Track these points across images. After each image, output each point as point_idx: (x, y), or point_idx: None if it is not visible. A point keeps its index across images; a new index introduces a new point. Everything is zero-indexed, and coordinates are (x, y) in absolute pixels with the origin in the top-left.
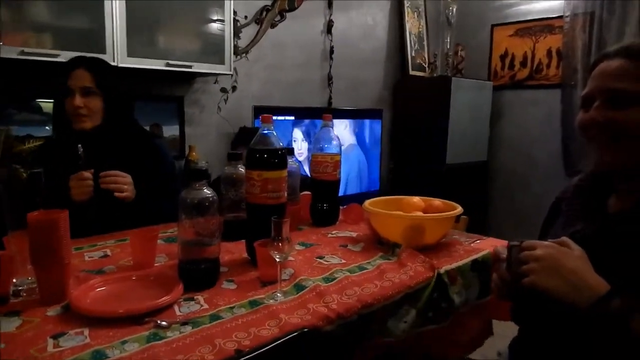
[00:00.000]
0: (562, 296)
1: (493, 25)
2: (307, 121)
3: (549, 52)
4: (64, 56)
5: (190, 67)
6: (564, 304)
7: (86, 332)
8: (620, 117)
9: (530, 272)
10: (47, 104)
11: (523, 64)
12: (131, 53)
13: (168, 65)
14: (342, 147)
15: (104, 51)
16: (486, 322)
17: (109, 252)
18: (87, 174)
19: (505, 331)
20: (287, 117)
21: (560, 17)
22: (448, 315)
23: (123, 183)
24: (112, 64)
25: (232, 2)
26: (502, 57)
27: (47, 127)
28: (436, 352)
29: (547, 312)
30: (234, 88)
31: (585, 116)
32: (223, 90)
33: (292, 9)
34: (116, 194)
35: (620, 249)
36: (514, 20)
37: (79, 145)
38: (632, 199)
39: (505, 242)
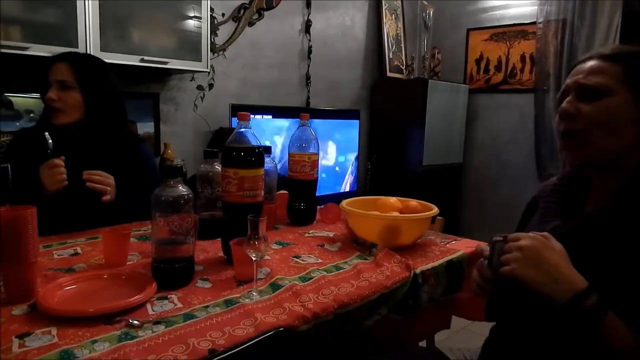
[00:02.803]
0: (541, 288)
1: (469, 30)
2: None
3: (523, 57)
4: (34, 49)
5: (165, 63)
6: (541, 296)
7: (54, 331)
8: (587, 110)
9: (511, 261)
10: (17, 99)
11: (498, 68)
12: (104, 48)
13: (143, 61)
14: (320, 147)
15: (76, 45)
16: (444, 315)
17: (79, 250)
18: (58, 161)
19: (481, 330)
20: (265, 116)
21: (534, 23)
22: (413, 311)
23: (108, 185)
24: None
25: None
26: (478, 61)
27: (17, 123)
28: (396, 339)
29: (522, 309)
30: (210, 86)
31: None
32: (199, 87)
33: (270, 7)
34: (97, 186)
35: (595, 248)
36: (488, 25)
37: (46, 133)
38: (608, 198)
39: (482, 243)
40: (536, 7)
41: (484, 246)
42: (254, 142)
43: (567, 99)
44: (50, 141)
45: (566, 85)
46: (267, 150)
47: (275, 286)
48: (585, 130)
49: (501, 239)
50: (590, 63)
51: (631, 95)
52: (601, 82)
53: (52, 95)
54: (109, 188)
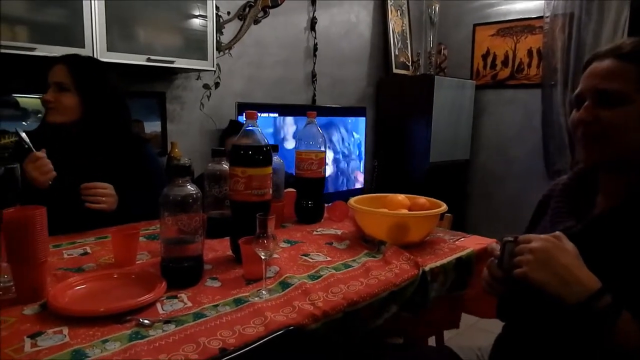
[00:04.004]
0: (553, 290)
1: (475, 25)
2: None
3: (530, 52)
4: (41, 50)
5: (172, 62)
6: (553, 298)
7: (65, 331)
8: (607, 116)
9: (523, 263)
10: (23, 99)
11: (504, 63)
12: (111, 48)
13: (149, 60)
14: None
15: (82, 45)
16: (453, 313)
17: (88, 250)
18: (40, 154)
19: (491, 328)
20: (271, 114)
21: (541, 17)
22: (422, 307)
23: (102, 195)
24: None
25: None
26: (484, 57)
27: (24, 122)
28: (404, 336)
29: (534, 309)
30: (216, 84)
31: (575, 115)
32: (205, 86)
33: (275, 5)
34: (94, 205)
35: (606, 248)
36: (495, 20)
37: (22, 133)
38: (619, 197)
39: (491, 240)
40: (543, 2)
41: (495, 245)
42: (261, 141)
43: (585, 105)
44: (28, 140)
45: (582, 88)
46: (275, 148)
47: (284, 285)
48: (605, 134)
49: (512, 239)
50: (607, 63)
51: None
52: (619, 89)
53: (48, 97)
54: (103, 198)
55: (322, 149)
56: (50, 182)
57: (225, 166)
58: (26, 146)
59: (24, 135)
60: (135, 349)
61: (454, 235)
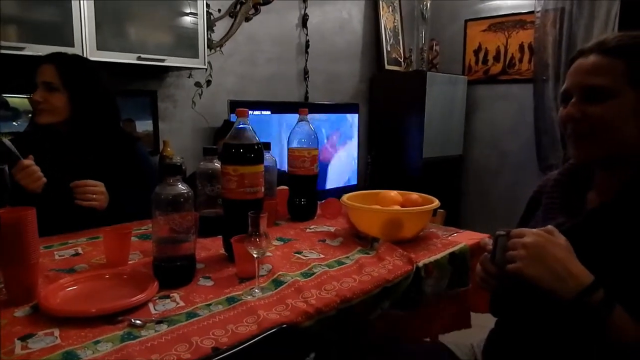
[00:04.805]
0: (546, 285)
1: (466, 21)
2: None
3: (521, 47)
4: (30, 49)
5: (162, 60)
6: (547, 293)
7: (56, 332)
8: (595, 112)
9: (517, 258)
10: (17, 100)
11: (496, 58)
12: (101, 46)
13: (140, 59)
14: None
15: (72, 44)
16: (461, 312)
17: (80, 250)
18: (27, 162)
19: (484, 322)
20: (264, 112)
21: (532, 12)
22: (417, 304)
23: (93, 192)
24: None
25: None
26: (476, 52)
27: (14, 123)
28: (405, 337)
29: (527, 304)
30: (208, 82)
31: (563, 112)
32: (197, 84)
33: (266, 2)
34: (85, 203)
35: (600, 244)
36: (486, 15)
37: (6, 141)
38: (611, 192)
39: (485, 235)
40: None
41: (488, 240)
42: (253, 139)
43: (572, 101)
44: (14, 148)
45: (569, 84)
46: (267, 146)
47: (277, 282)
48: (594, 131)
49: (504, 233)
50: (592, 59)
51: (634, 93)
52: (605, 84)
53: (37, 97)
54: (94, 196)
55: (315, 146)
56: (42, 188)
57: (217, 164)
58: (13, 156)
59: (9, 143)
60: (127, 349)
61: (447, 231)
